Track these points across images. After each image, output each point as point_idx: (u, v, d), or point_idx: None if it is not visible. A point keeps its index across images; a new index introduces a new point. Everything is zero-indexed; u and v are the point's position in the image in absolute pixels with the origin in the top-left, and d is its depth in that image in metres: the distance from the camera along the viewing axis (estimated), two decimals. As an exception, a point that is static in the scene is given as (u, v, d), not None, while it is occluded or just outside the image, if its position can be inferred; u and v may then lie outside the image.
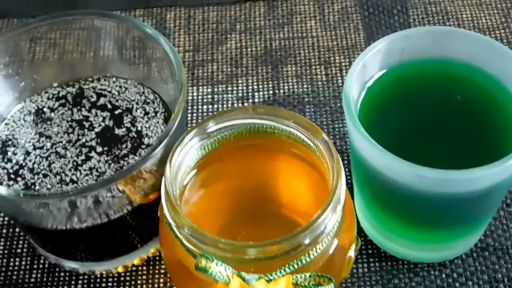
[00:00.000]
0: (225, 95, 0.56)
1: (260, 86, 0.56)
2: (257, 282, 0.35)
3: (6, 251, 0.49)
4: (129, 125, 0.46)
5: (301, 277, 0.37)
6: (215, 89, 0.57)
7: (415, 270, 0.47)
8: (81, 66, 0.48)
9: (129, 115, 0.46)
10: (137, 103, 0.47)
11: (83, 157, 0.45)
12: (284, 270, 0.36)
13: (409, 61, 0.44)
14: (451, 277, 0.47)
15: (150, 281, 0.48)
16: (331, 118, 0.54)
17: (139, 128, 0.46)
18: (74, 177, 0.44)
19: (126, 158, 0.44)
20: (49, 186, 0.44)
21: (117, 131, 0.46)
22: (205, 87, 0.57)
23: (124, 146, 0.45)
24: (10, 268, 0.48)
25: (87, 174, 0.44)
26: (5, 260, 0.49)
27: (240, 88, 0.57)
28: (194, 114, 0.55)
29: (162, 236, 0.41)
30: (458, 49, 0.44)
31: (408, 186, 0.39)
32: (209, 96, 0.56)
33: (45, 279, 0.48)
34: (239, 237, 0.42)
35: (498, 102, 0.43)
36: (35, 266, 0.48)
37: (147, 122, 0.46)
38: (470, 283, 0.46)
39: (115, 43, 0.47)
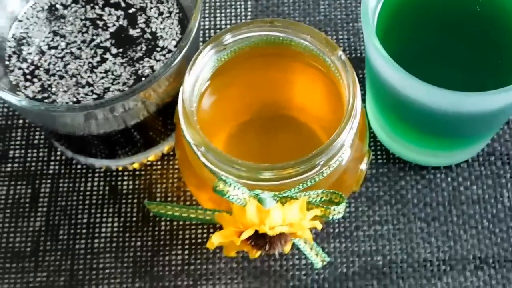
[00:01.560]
0: (238, -16, 0.55)
1: (276, -26, 0.55)
2: (273, 207, 0.36)
3: (24, 142, 0.50)
4: (143, 25, 0.45)
5: (313, 193, 0.39)
6: (229, -23, 0.55)
7: (422, 173, 0.48)
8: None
9: (143, 15, 0.46)
10: (151, 2, 0.46)
11: (98, 58, 0.45)
12: (298, 188, 0.38)
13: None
14: (457, 181, 0.48)
15: (164, 176, 0.49)
16: (346, 12, 0.54)
17: (153, 29, 0.45)
18: (90, 80, 0.44)
19: (141, 61, 0.44)
20: (65, 88, 0.44)
21: (131, 31, 0.45)
22: (218, -26, 0.55)
23: (138, 48, 0.45)
24: (28, 159, 0.50)
25: (102, 77, 0.44)
26: (22, 151, 0.50)
27: (254, -24, 0.55)
28: (207, 3, 0.54)
29: (178, 140, 0.42)
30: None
31: (421, 103, 0.40)
32: (223, -15, 0.55)
33: (62, 171, 0.49)
34: (255, 144, 0.43)
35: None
36: (52, 158, 0.50)
37: (161, 23, 0.45)
38: (475, 187, 0.48)
39: None
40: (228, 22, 0.54)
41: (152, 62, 0.44)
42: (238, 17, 0.54)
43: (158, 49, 0.45)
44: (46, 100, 0.43)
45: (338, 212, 0.38)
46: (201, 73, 0.40)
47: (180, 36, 0.45)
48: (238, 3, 0.54)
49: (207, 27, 0.54)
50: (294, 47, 0.41)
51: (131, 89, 0.39)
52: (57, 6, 0.46)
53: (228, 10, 0.54)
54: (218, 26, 0.54)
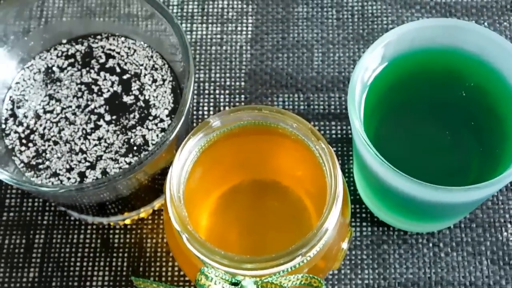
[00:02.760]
0: (234, 36, 0.56)
1: (270, 29, 0.56)
2: (252, 301, 0.38)
3: (20, 191, 0.52)
4: (137, 92, 0.47)
5: (294, 277, 0.40)
6: (224, 28, 0.56)
7: (404, 237, 0.50)
8: (90, 23, 0.48)
9: (137, 81, 0.47)
10: (145, 68, 0.47)
11: (92, 125, 0.46)
12: (279, 274, 0.39)
13: (416, 51, 0.44)
14: (438, 247, 0.50)
15: (155, 230, 0.51)
16: (338, 69, 0.55)
17: (146, 97, 0.47)
18: (83, 147, 0.45)
19: (134, 130, 0.46)
20: (59, 154, 0.45)
21: (125, 98, 0.47)
22: (214, 25, 0.56)
23: (131, 116, 0.46)
24: (24, 208, 0.51)
25: (95, 145, 0.45)
26: (18, 200, 0.52)
27: (250, 29, 0.56)
28: (203, 56, 0.55)
29: (166, 212, 0.44)
30: (467, 42, 0.44)
31: (403, 192, 0.41)
32: (218, 36, 0.56)
33: (56, 222, 0.51)
34: (243, 218, 0.45)
35: (502, 105, 0.43)
36: (46, 208, 0.51)
37: (155, 90, 0.47)
38: (455, 254, 0.49)
39: (124, 5, 0.47)
40: (223, 74, 0.55)
41: (144, 131, 0.46)
42: (233, 70, 0.55)
43: (151, 117, 0.46)
44: (40, 166, 0.45)
45: (316, 299, 0.39)
46: (190, 155, 0.41)
47: (172, 105, 0.46)
48: (234, 56, 0.55)
49: (202, 79, 0.55)
50: (281, 129, 0.42)
51: (129, 167, 0.41)
52: (54, 68, 0.48)
53: (223, 63, 0.55)
54: (212, 79, 0.55)
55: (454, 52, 0.44)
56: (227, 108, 0.54)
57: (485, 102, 0.44)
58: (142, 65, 0.47)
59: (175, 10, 0.57)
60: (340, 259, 0.44)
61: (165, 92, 0.47)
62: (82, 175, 0.45)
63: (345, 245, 0.43)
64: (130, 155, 0.45)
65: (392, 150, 0.43)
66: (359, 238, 0.50)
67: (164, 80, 0.47)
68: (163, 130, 0.45)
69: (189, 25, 0.56)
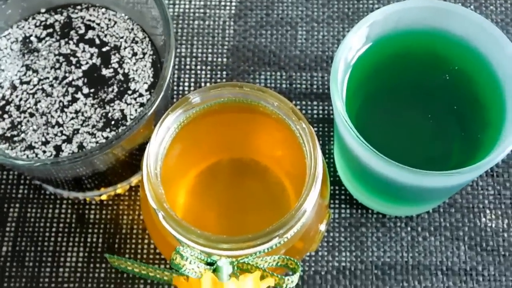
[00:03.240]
0: (217, 11, 0.55)
1: (254, 5, 0.55)
2: (228, 281, 0.37)
3: (-7, 163, 0.51)
4: (116, 65, 0.46)
5: (270, 259, 0.40)
6: (208, 3, 0.55)
7: (383, 221, 0.50)
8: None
9: (117, 54, 0.46)
10: (125, 41, 0.46)
11: (69, 97, 0.45)
12: (256, 254, 0.39)
13: (401, 32, 0.44)
14: (416, 231, 0.49)
15: (131, 207, 0.50)
16: (322, 48, 0.54)
17: (126, 70, 0.46)
18: (60, 120, 0.44)
19: (112, 104, 0.45)
20: (35, 127, 0.44)
21: (104, 71, 0.46)
22: (197, -1, 0.55)
23: (110, 89, 0.45)
24: (-2, 180, 0.50)
25: (72, 118, 0.44)
26: (-8, 172, 0.51)
27: (234, 3, 0.55)
28: (185, 30, 0.54)
29: (143, 189, 0.43)
30: (453, 25, 0.43)
31: (383, 174, 0.41)
32: (201, 11, 0.55)
33: (31, 195, 0.50)
34: (222, 193, 0.44)
35: (485, 91, 0.43)
36: (22, 182, 0.50)
37: (134, 64, 0.46)
38: (433, 238, 0.49)
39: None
40: (205, 50, 0.54)
41: (122, 105, 0.45)
42: (215, 46, 0.54)
43: (130, 92, 0.45)
44: (15, 138, 0.44)
45: (291, 281, 0.39)
46: (168, 131, 0.40)
47: (152, 79, 0.45)
48: (216, 31, 0.54)
49: (183, 54, 0.54)
50: (261, 108, 0.41)
51: (106, 142, 0.40)
52: (31, 38, 0.46)
53: (205, 38, 0.54)
54: (194, 54, 0.54)
55: (440, 34, 0.43)
56: (208, 84, 0.53)
57: (469, 87, 0.43)
58: (122, 37, 0.46)
59: (158, -17, 0.55)
60: (318, 241, 0.43)
61: (145, 66, 0.46)
62: (58, 148, 0.44)
63: (323, 227, 0.43)
64: (108, 130, 0.44)
65: (374, 132, 0.42)
66: (337, 220, 0.50)
67: (144, 54, 0.46)
68: (142, 105, 0.45)
69: (171, -2, 0.55)
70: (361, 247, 0.49)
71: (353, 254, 0.49)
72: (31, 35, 0.46)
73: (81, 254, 0.49)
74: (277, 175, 0.45)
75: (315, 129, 0.51)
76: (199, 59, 0.53)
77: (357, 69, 0.43)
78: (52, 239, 0.49)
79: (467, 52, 0.43)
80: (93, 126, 0.44)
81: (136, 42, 0.46)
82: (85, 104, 0.45)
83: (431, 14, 0.43)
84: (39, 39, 0.46)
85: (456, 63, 0.43)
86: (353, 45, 0.42)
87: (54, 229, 0.49)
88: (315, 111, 0.52)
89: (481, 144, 0.42)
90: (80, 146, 0.44)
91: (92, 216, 0.50)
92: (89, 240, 0.49)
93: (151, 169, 0.38)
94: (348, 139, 0.41)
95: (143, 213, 0.43)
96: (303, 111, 0.52)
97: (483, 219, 0.49)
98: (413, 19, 0.43)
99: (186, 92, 0.52)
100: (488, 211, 0.50)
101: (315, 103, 0.52)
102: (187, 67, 0.53)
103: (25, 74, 0.45)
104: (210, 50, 0.54)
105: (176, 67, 0.53)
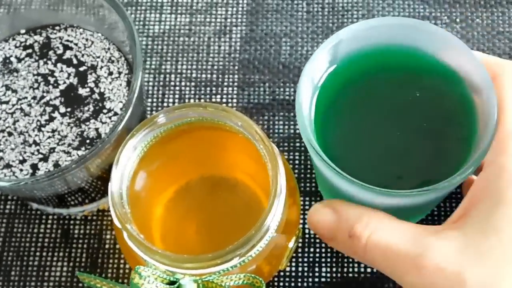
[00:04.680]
0: (202, 27, 0.56)
1: (239, 21, 0.55)
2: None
3: (-18, 179, 0.52)
4: (92, 85, 0.46)
5: (236, 277, 0.40)
6: (193, 19, 0.56)
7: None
8: (49, 14, 0.48)
9: (93, 74, 0.47)
10: (102, 60, 0.47)
11: (46, 116, 0.46)
12: (220, 273, 0.39)
13: (372, 50, 0.43)
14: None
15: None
16: (305, 63, 0.54)
17: (102, 90, 0.46)
18: (37, 138, 0.45)
19: (88, 123, 0.45)
20: (13, 146, 0.45)
21: (80, 90, 0.46)
22: (183, 16, 0.56)
23: (86, 108, 0.46)
24: (-14, 196, 0.52)
25: (49, 137, 0.45)
26: (-19, 189, 0.52)
27: (219, 20, 0.56)
28: (170, 47, 0.55)
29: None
30: (424, 42, 0.43)
31: (352, 195, 0.41)
32: (187, 27, 0.56)
33: (18, 211, 0.51)
34: (191, 211, 0.45)
35: (457, 107, 0.42)
36: (9, 197, 0.51)
37: (110, 83, 0.46)
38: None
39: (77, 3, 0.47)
40: (190, 66, 0.54)
41: (97, 124, 0.45)
42: (200, 62, 0.54)
43: (105, 110, 0.46)
44: (-7, 157, 0.45)
45: (255, 300, 0.39)
46: (135, 151, 0.41)
47: (126, 98, 0.46)
48: (201, 47, 0.55)
49: (168, 71, 0.54)
50: (228, 127, 0.42)
51: (78, 159, 0.41)
52: (12, 59, 0.47)
53: (190, 55, 0.55)
54: (179, 71, 0.54)
55: (410, 52, 0.43)
56: (192, 100, 0.53)
57: (440, 104, 0.43)
58: (99, 57, 0.47)
59: (144, 0, 0.56)
60: (287, 258, 0.43)
61: (120, 85, 0.46)
62: (34, 167, 0.45)
63: (291, 244, 0.43)
64: (83, 148, 0.45)
65: (345, 151, 0.42)
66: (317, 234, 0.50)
67: (120, 73, 0.47)
68: (116, 123, 0.45)
69: (158, 15, 0.56)
70: (341, 262, 0.49)
71: (333, 270, 0.49)
72: (11, 56, 0.47)
73: (65, 269, 0.50)
74: (251, 191, 0.45)
75: (298, 143, 0.52)
76: (184, 75, 0.54)
77: (326, 89, 0.43)
78: (38, 254, 0.50)
79: (439, 69, 0.43)
80: (69, 145, 0.45)
81: (112, 62, 0.47)
82: (62, 123, 0.45)
83: (401, 31, 0.43)
84: (19, 60, 0.47)
85: (427, 79, 0.43)
86: (320, 66, 0.42)
87: (39, 244, 0.50)
88: (297, 126, 0.52)
89: (453, 158, 0.41)
90: (56, 165, 0.45)
91: (76, 232, 0.50)
92: (73, 255, 0.50)
93: (115, 189, 0.39)
94: (313, 157, 0.41)
95: (115, 231, 0.44)
96: (287, 124, 0.52)
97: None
98: (383, 37, 0.43)
99: (169, 109, 0.53)
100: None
101: (298, 117, 0.52)
102: (172, 83, 0.54)
103: (4, 94, 0.47)
104: (194, 67, 0.54)
105: (161, 83, 0.54)
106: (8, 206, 0.51)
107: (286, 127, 0.52)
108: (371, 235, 0.38)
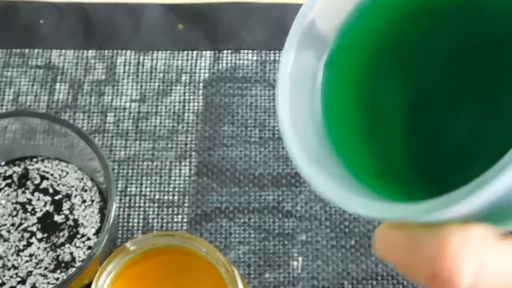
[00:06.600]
0: (164, 152, 0.61)
1: (198, 146, 0.61)
2: None
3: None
4: (67, 212, 0.51)
5: None
6: (156, 145, 0.61)
7: None
8: (27, 147, 0.53)
9: (68, 202, 0.52)
10: (76, 189, 0.52)
11: (24, 242, 0.50)
12: None
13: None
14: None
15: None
16: (260, 192, 0.60)
17: (76, 216, 0.51)
18: (15, 263, 0.49)
19: (63, 247, 0.50)
20: (-8, 270, 0.49)
21: (56, 217, 0.51)
22: (147, 142, 0.61)
23: (61, 234, 0.50)
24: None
25: (27, 261, 0.50)
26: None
27: (179, 146, 0.61)
28: (135, 171, 0.60)
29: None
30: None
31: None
32: (150, 152, 0.61)
33: (-9, 328, 0.54)
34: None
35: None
36: (-17, 315, 0.55)
37: (83, 210, 0.51)
38: None
39: (59, 132, 0.51)
40: (153, 189, 0.59)
41: (72, 248, 0.50)
42: (162, 185, 0.60)
43: (79, 236, 0.50)
44: (-26, 281, 0.49)
45: None
46: (109, 276, 0.45)
47: (99, 224, 0.51)
48: (163, 171, 0.60)
49: (133, 193, 0.59)
50: (194, 252, 0.47)
51: (62, 282, 0.45)
52: (-8, 189, 0.52)
53: (153, 178, 0.60)
54: (143, 193, 0.59)
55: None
56: (155, 220, 0.58)
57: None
58: (73, 186, 0.52)
59: (111, 127, 0.62)
60: None
61: (93, 212, 0.51)
62: (13, 289, 0.49)
63: None
64: (58, 271, 0.49)
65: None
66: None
67: (92, 201, 0.52)
68: (89, 247, 0.50)
69: (123, 141, 0.61)
70: None
71: None
72: (-9, 186, 0.52)
73: None
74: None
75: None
76: (148, 197, 0.59)
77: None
78: None
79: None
80: (45, 268, 0.49)
81: (86, 191, 0.52)
82: (39, 248, 0.50)
83: None
84: (-1, 189, 0.52)
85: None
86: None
87: None
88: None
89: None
90: (33, 287, 0.49)
91: None
92: None
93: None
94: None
95: None
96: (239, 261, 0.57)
97: None
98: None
99: (135, 229, 0.58)
100: None
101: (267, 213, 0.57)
102: (136, 204, 0.59)
103: (-15, 222, 0.51)
104: (157, 189, 0.60)
105: (127, 205, 0.59)
106: (-18, 324, 0.55)
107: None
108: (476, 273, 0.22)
